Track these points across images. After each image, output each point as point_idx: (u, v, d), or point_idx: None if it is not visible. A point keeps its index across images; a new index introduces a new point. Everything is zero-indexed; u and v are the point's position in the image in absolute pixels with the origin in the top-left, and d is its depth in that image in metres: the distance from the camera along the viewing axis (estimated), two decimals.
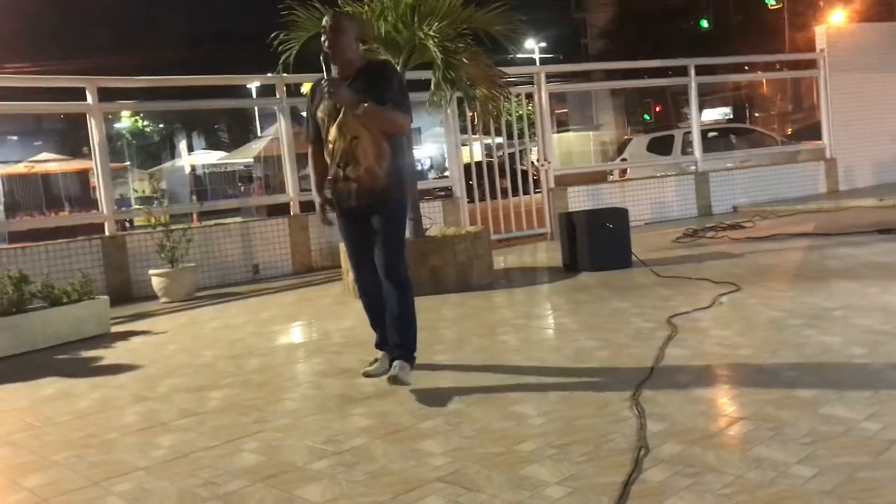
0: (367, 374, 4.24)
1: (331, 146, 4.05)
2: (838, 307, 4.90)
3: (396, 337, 4.09)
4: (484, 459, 2.95)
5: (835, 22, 22.66)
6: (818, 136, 13.63)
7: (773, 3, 25.56)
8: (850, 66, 13.11)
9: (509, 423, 3.33)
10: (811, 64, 13.61)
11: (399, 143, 4.06)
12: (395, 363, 4.01)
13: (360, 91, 3.86)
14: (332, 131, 4.03)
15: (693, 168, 12.43)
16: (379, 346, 4.33)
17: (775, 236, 8.55)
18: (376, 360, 4.29)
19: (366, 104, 3.83)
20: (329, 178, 4.13)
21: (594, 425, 3.21)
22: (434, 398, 3.77)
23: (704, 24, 29.59)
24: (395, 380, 3.92)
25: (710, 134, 14.91)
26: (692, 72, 12.24)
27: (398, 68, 7.38)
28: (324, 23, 4.02)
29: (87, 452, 3.48)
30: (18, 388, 4.89)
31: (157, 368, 5.07)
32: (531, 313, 5.98)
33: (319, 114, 4.09)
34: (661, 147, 14.58)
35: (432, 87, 7.71)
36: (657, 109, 35.96)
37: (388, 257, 4.02)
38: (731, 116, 31.46)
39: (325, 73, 3.85)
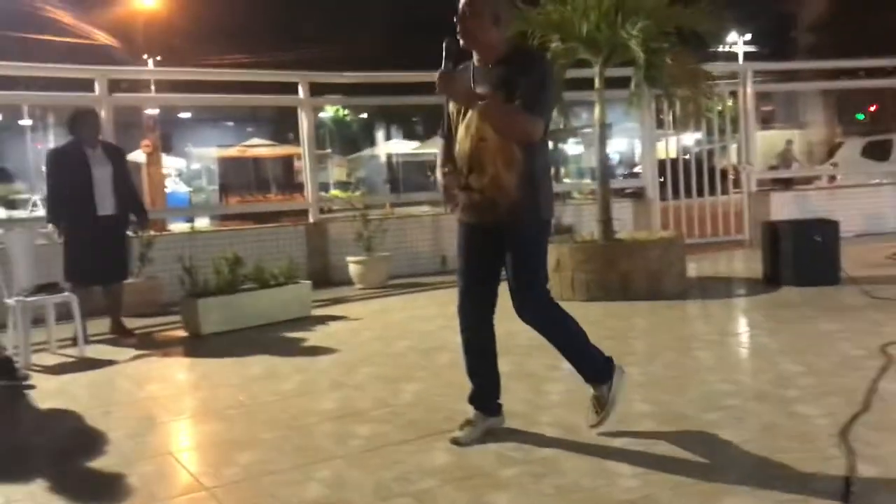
0: (455, 441, 3.43)
1: (458, 147, 3.42)
2: None
3: (577, 370, 3.57)
4: (674, 486, 2.86)
5: None
6: None
7: None
8: None
9: (703, 449, 3.21)
10: None
11: (536, 149, 3.32)
12: (592, 398, 3.53)
13: (498, 81, 3.26)
14: (461, 129, 3.40)
15: None
16: (473, 401, 3.57)
17: None
18: (468, 423, 3.51)
19: (482, 100, 3.21)
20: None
21: (798, 461, 3.03)
22: (624, 416, 3.69)
23: None
24: (594, 426, 3.47)
25: None
26: None
27: (598, 67, 7.30)
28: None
29: (291, 435, 3.72)
30: (230, 364, 5.31)
31: (353, 355, 5.33)
32: (727, 329, 5.72)
33: (451, 107, 3.47)
34: (877, 152, 13.47)
35: (632, 86, 7.54)
36: (873, 109, 33.16)
37: (519, 288, 3.36)
38: None
39: (443, 61, 3.28)
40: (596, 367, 3.52)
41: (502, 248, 3.39)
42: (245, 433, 3.81)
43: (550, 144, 3.55)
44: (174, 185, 27.23)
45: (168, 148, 28.44)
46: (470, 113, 3.34)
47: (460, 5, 3.33)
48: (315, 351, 5.55)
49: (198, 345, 6.08)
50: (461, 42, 3.35)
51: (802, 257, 6.93)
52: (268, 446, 3.58)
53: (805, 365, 4.38)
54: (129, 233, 6.80)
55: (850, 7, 29.14)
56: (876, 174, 12.76)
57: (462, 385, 4.35)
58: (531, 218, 3.35)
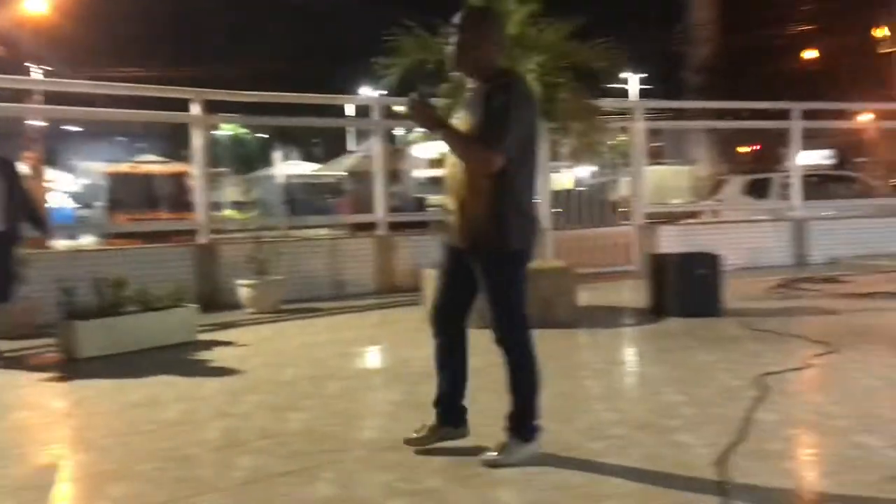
0: (406, 442, 3.59)
1: None
2: None
3: (509, 402, 3.48)
4: None
5: None
6: None
7: (884, 47, 24.71)
8: None
9: (588, 479, 3.24)
10: None
11: (505, 178, 3.25)
12: (501, 442, 3.44)
13: (472, 105, 3.33)
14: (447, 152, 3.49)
15: (791, 214, 12.02)
16: (436, 405, 3.62)
17: (876, 294, 8.16)
18: (425, 428, 3.61)
19: (444, 127, 3.32)
20: None
21: (677, 490, 3.11)
22: None
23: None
24: (486, 464, 3.39)
25: (811, 180, 14.41)
26: (796, 116, 11.86)
27: None
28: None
29: (170, 466, 3.55)
30: (108, 391, 5.05)
31: (240, 383, 5.17)
32: (614, 359, 5.85)
33: None
34: (758, 190, 14.17)
35: None
36: (756, 148, 35.02)
37: (492, 318, 3.39)
38: (835, 160, 30.35)
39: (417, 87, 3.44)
40: (525, 423, 3.46)
41: (474, 272, 3.43)
42: (120, 464, 3.61)
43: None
44: (60, 201, 26.00)
45: (54, 162, 27.22)
46: None
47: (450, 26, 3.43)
48: (199, 377, 5.35)
49: (74, 369, 5.76)
50: (450, 62, 3.44)
51: (686, 289, 7.18)
52: (144, 478, 3.41)
53: (687, 395, 4.51)
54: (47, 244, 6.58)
55: (736, 53, 30.80)
56: (757, 211, 13.40)
57: (351, 413, 4.28)
58: (497, 248, 3.32)
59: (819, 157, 31.29)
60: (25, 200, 6.33)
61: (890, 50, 25.03)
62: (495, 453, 3.42)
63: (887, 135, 26.68)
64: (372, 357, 6.05)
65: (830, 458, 3.52)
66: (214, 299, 8.57)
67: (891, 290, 8.34)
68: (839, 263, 11.25)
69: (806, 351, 5.53)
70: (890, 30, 24.56)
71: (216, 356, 6.07)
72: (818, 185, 14.29)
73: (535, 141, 3.40)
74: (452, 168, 3.40)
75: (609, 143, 11.65)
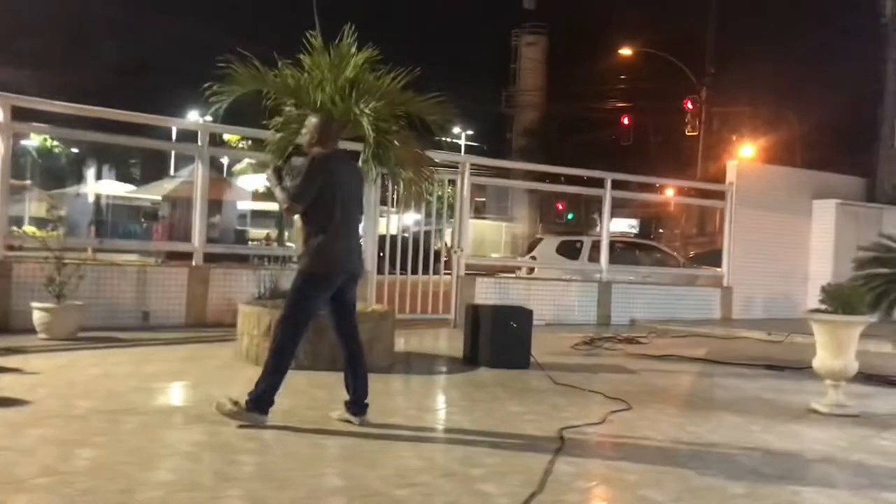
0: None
1: None
2: (723, 442, 5.01)
3: (257, 381, 4.72)
4: None
5: (744, 156, 24.10)
6: (717, 263, 14.24)
7: (690, 130, 27.05)
8: (754, 203, 13.83)
9: None
10: (720, 194, 14.28)
11: (307, 219, 4.88)
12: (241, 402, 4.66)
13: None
14: None
15: (598, 276, 12.76)
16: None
17: (669, 357, 8.78)
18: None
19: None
20: None
21: None
22: (315, 489, 3.63)
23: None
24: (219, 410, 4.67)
25: (617, 245, 15.43)
26: (608, 185, 12.68)
27: None
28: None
29: None
30: None
31: (24, 414, 4.74)
32: (425, 405, 5.90)
33: None
34: (569, 251, 14.94)
35: (360, 162, 7.71)
36: (563, 211, 37.10)
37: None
38: (638, 230, 32.73)
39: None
40: (260, 395, 4.63)
41: None
42: None
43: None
44: None
45: None
46: None
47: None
48: None
49: None
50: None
51: (498, 340, 7.41)
52: None
53: (492, 445, 4.61)
54: None
55: (558, 120, 32.72)
56: (568, 271, 14.11)
57: (147, 452, 4.04)
58: (298, 268, 4.90)
59: (625, 226, 33.67)
60: None
61: (693, 133, 27.38)
62: (234, 408, 4.61)
63: (685, 209, 29.16)
64: (175, 393, 5.74)
65: None
66: (3, 322, 7.88)
67: (681, 354, 9.02)
68: (637, 325, 12.06)
69: (604, 407, 5.83)
70: (691, 115, 26.92)
71: None
72: (623, 251, 15.30)
73: (329, 197, 4.81)
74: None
75: (437, 194, 11.91)
